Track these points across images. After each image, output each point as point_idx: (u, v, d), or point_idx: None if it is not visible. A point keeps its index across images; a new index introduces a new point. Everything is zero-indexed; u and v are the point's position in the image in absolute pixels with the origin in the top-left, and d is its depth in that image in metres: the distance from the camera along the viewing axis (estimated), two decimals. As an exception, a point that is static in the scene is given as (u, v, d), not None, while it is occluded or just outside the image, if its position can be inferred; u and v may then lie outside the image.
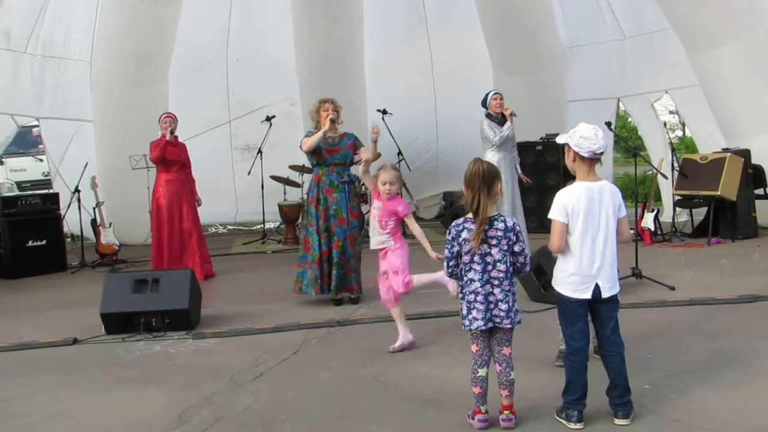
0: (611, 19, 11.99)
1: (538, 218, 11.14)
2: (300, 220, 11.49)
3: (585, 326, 3.91)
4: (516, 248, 3.92)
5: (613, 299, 3.93)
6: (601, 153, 3.87)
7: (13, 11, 10.51)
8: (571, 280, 3.86)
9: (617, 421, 3.88)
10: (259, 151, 11.52)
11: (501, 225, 3.90)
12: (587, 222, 3.83)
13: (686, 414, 4.00)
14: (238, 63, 12.84)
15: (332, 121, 6.88)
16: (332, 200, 6.96)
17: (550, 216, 3.90)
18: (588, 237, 3.83)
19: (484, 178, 3.85)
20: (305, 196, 7.40)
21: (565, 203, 3.85)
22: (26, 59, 11.19)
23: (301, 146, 7.09)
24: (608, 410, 3.95)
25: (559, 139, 3.97)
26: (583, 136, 3.82)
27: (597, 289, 3.84)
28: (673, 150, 11.11)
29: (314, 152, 6.97)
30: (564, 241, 3.88)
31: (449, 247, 3.98)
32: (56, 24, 11.34)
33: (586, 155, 3.83)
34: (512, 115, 8.21)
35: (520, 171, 8.43)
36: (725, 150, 9.88)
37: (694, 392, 4.31)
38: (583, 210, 3.82)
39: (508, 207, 8.15)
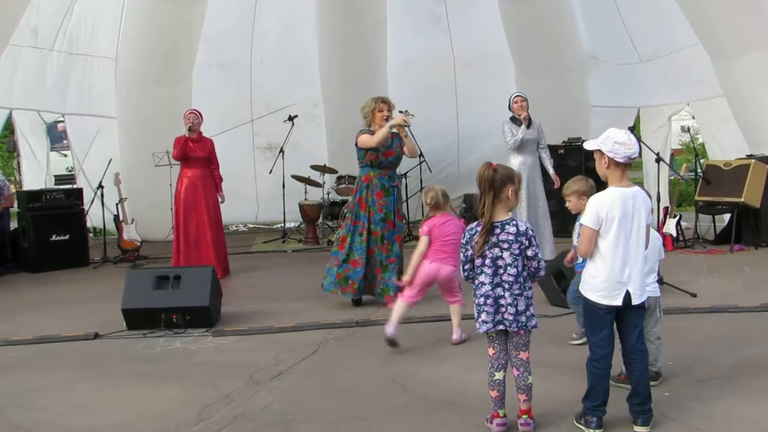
0: (628, 42, 11.90)
1: (559, 222, 11.07)
2: (320, 221, 11.54)
3: (611, 333, 3.88)
4: (529, 253, 3.90)
5: (641, 306, 3.90)
6: (635, 157, 3.85)
7: (41, 9, 10.61)
8: (602, 286, 3.82)
9: (637, 429, 3.85)
10: (281, 151, 11.55)
11: (512, 229, 3.88)
12: (621, 228, 3.79)
13: (707, 423, 3.97)
14: (262, 64, 12.88)
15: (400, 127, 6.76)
16: (382, 204, 6.82)
17: (582, 221, 3.87)
18: (621, 243, 3.79)
19: (491, 183, 3.85)
20: (352, 197, 7.16)
21: (598, 209, 3.81)
22: (53, 56, 11.31)
23: (357, 143, 6.84)
24: (628, 417, 3.93)
25: (589, 146, 3.92)
26: (618, 142, 3.78)
27: (627, 296, 3.81)
28: (696, 156, 11.03)
29: (371, 153, 6.81)
30: (592, 248, 3.85)
31: (464, 251, 3.98)
32: (82, 21, 11.44)
33: (622, 161, 3.80)
34: (526, 119, 8.19)
35: (552, 172, 8.41)
36: (749, 156, 9.78)
37: (716, 401, 4.27)
38: (618, 216, 3.78)
39: (525, 212, 8.13)
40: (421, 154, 11.53)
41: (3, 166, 20.16)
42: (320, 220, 11.61)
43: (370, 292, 6.97)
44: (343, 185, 11.21)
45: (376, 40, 12.25)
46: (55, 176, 15.10)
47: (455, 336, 5.67)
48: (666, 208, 10.06)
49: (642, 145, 11.03)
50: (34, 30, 10.82)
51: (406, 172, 11.57)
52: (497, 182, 3.85)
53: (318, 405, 4.47)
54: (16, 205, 10.24)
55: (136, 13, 11.06)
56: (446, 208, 5.67)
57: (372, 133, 6.82)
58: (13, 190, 9.70)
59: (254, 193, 12.93)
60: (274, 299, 7.51)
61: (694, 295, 6.87)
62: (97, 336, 6.17)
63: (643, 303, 3.91)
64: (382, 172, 6.88)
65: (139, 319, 6.28)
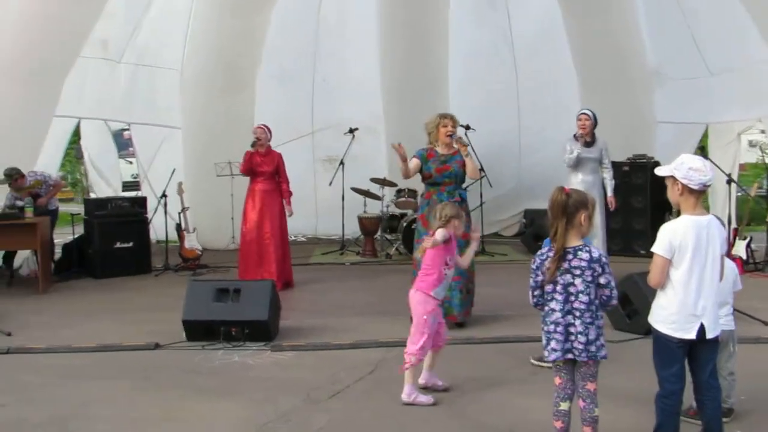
0: (696, 55, 11.56)
1: (622, 240, 10.88)
2: (378, 234, 11.52)
3: (682, 368, 3.72)
4: (602, 280, 3.76)
5: (715, 340, 3.74)
6: (710, 184, 3.70)
7: (111, 23, 10.87)
8: (673, 318, 3.67)
9: (708, 468, 3.70)
10: (341, 163, 11.57)
11: (585, 255, 3.76)
12: (695, 258, 3.64)
13: (783, 464, 3.79)
14: (324, 82, 12.97)
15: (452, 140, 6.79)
16: None
17: (653, 250, 3.72)
18: (695, 274, 3.65)
19: (563, 208, 3.73)
20: (413, 212, 7.10)
21: (671, 238, 3.67)
22: (121, 68, 11.57)
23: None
24: (698, 455, 3.77)
25: (661, 172, 3.78)
26: (693, 168, 3.63)
27: (701, 329, 3.66)
28: (768, 173, 10.68)
29: (424, 171, 6.83)
30: (665, 278, 3.70)
31: (533, 276, 3.88)
32: (150, 34, 11.68)
33: (696, 188, 3.65)
34: (581, 137, 8.00)
35: (610, 194, 8.18)
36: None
37: (792, 440, 4.08)
38: (692, 246, 3.64)
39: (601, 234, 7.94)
40: (481, 169, 11.43)
41: (71, 171, 20.78)
42: (379, 233, 11.57)
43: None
44: (403, 198, 11.18)
45: (438, 54, 12.21)
46: (121, 183, 15.48)
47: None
48: (735, 229, 9.74)
49: (713, 165, 10.74)
50: (104, 42, 11.08)
51: (466, 187, 11.43)
52: (570, 208, 3.74)
53: (374, 428, 4.42)
54: (82, 211, 10.48)
55: (202, 26, 11.26)
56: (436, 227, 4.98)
57: (430, 150, 6.85)
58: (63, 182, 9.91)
59: (314, 205, 12.98)
60: (333, 314, 7.49)
61: (766, 324, 6.60)
62: (157, 346, 6.23)
63: (717, 337, 3.75)
64: (440, 188, 6.83)
65: (199, 331, 6.32)
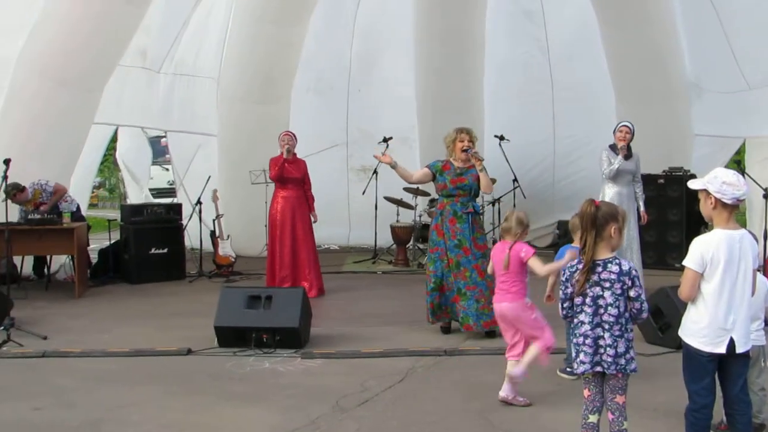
0: (735, 68, 11.37)
1: (656, 253, 10.76)
2: (411, 243, 11.54)
3: (712, 382, 3.69)
4: (632, 293, 3.74)
5: (745, 355, 3.70)
6: (744, 199, 3.67)
7: (150, 33, 11.06)
8: (704, 332, 3.64)
9: (739, 484, 3.65)
10: (375, 172, 11.62)
11: (615, 268, 3.74)
12: (726, 273, 3.61)
13: (816, 483, 3.73)
14: (359, 92, 13.05)
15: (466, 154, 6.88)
16: (456, 231, 6.85)
17: (684, 263, 3.70)
18: (726, 288, 3.61)
19: (592, 221, 3.72)
20: (430, 222, 7.37)
21: (702, 252, 3.64)
22: (159, 77, 11.78)
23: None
24: (729, 472, 3.73)
25: (695, 185, 3.76)
26: (727, 182, 3.61)
27: (731, 344, 3.62)
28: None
29: (438, 182, 6.97)
30: (695, 291, 3.68)
31: (563, 288, 3.87)
32: (188, 46, 11.87)
33: (729, 202, 3.62)
34: (623, 149, 7.93)
35: (642, 208, 8.10)
36: None
37: (826, 459, 4.01)
38: (724, 260, 3.61)
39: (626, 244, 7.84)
40: (515, 179, 11.42)
41: (108, 177, 21.15)
42: (411, 242, 11.59)
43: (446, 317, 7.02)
44: (435, 208, 11.18)
45: (474, 61, 12.21)
46: (157, 189, 15.71)
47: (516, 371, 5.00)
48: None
49: (749, 180, 10.58)
50: (142, 51, 11.27)
51: (500, 197, 11.45)
52: (599, 220, 3.73)
53: (403, 437, 4.43)
54: (119, 217, 10.64)
55: (240, 35, 11.40)
56: (514, 236, 5.07)
57: (446, 162, 6.98)
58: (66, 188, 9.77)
59: (346, 214, 13.03)
60: (363, 322, 7.52)
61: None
62: (189, 352, 6.31)
63: (748, 351, 3.71)
64: (454, 199, 6.92)
65: (231, 337, 6.39)
